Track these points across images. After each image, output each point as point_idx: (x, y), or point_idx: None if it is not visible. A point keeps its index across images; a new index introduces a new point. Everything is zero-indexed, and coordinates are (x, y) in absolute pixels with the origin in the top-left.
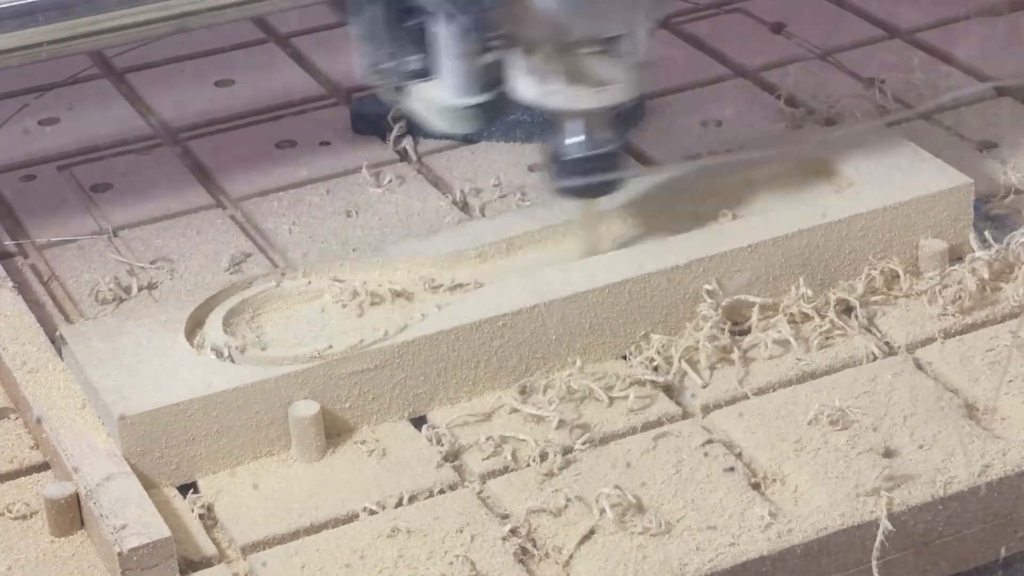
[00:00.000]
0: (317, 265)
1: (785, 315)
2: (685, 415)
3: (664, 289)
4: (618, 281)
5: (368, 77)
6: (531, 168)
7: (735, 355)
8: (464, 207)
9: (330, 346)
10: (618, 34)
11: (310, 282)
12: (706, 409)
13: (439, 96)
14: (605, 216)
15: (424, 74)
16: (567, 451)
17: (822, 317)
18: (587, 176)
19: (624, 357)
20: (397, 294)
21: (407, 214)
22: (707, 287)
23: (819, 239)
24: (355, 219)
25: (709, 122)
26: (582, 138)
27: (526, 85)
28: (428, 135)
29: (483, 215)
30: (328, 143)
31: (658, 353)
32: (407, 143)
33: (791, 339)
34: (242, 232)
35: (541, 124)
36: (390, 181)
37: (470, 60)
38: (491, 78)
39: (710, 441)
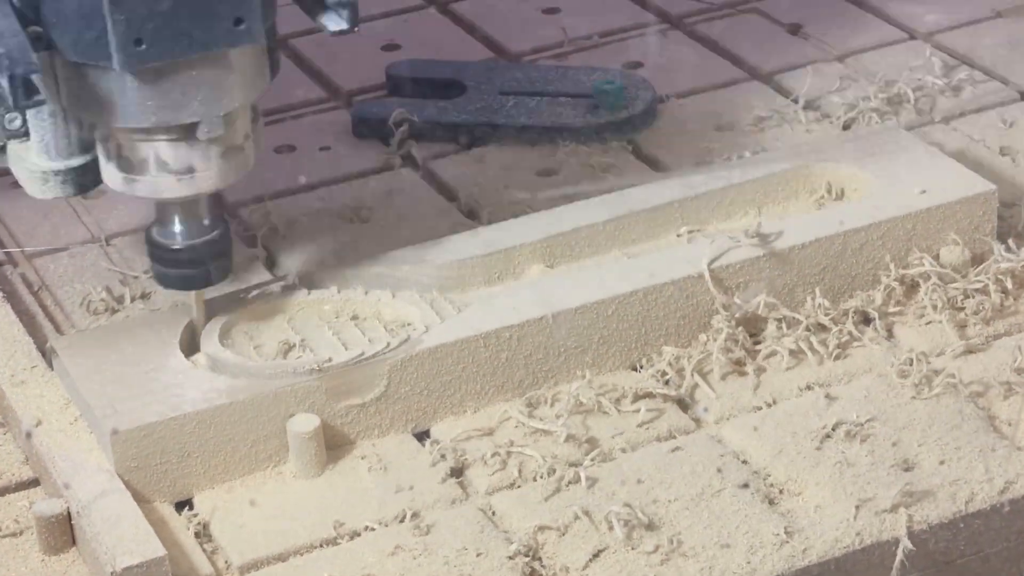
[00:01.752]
0: (317, 274)
1: (801, 326)
2: (698, 429)
3: (676, 300)
4: (629, 291)
5: None
6: (538, 174)
7: (749, 367)
8: (469, 214)
9: (330, 359)
10: (194, 120)
11: (309, 292)
12: (719, 423)
13: (31, 158)
14: (210, 303)
15: (24, 134)
16: (575, 466)
17: (839, 328)
18: (184, 267)
19: (635, 369)
20: (400, 305)
21: (410, 221)
22: (721, 299)
23: (837, 248)
24: (356, 226)
25: (723, 126)
26: (178, 228)
27: (108, 172)
28: (434, 138)
29: (489, 223)
30: (328, 148)
31: (670, 365)
32: (410, 147)
33: (807, 350)
34: (239, 240)
35: (549, 128)
36: (393, 188)
37: (58, 121)
38: (87, 139)
39: (723, 456)
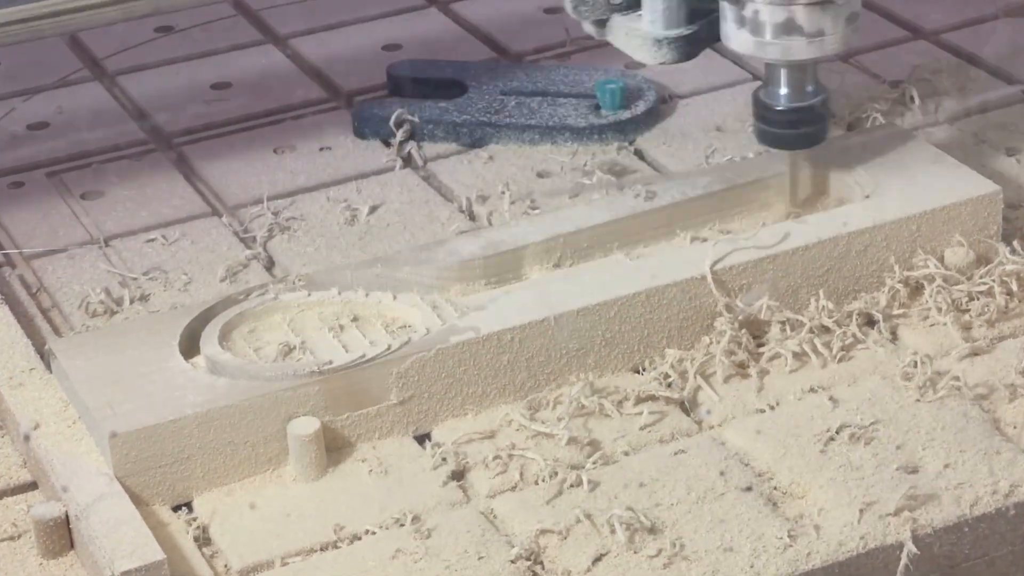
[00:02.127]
0: (317, 276)
1: (805, 328)
2: (700, 432)
3: (679, 302)
4: (631, 293)
5: (572, 7)
6: (540, 175)
7: (752, 369)
8: (471, 215)
9: (331, 361)
10: None
11: (309, 294)
12: (722, 425)
13: (643, 27)
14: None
15: (630, 5)
16: (577, 469)
17: (843, 330)
18: (794, 128)
19: (637, 371)
20: (401, 307)
21: (411, 222)
22: (724, 301)
23: (840, 249)
24: (357, 227)
25: (726, 127)
26: (789, 90)
27: (739, 36)
28: (435, 139)
29: (491, 224)
30: (329, 148)
31: (672, 368)
32: (411, 148)
33: (810, 353)
34: (239, 241)
35: (551, 129)
36: (394, 188)
37: None
38: (696, 9)
39: (726, 459)
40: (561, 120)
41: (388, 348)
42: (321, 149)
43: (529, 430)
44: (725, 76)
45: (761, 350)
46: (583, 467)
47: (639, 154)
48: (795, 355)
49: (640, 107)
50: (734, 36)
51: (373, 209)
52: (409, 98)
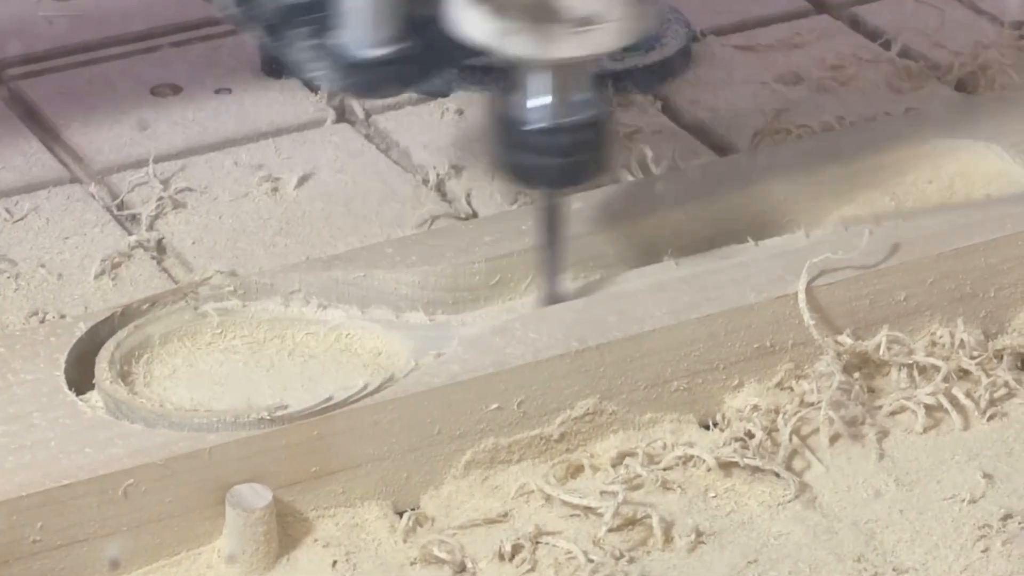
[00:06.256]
0: (252, 280)
1: (940, 372)
2: (803, 516)
3: (758, 331)
4: (694, 318)
5: (224, 7)
6: None
7: (868, 429)
8: (441, 192)
9: (285, 405)
10: None
11: (244, 304)
12: (832, 506)
13: (336, 44)
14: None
15: (315, 9)
16: (631, 562)
17: (992, 378)
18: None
19: (706, 426)
20: (374, 328)
21: (358, 201)
22: (837, 337)
23: (988, 260)
24: (280, 205)
25: (788, 76)
26: (549, 99)
27: (476, 21)
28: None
29: (471, 207)
30: (229, 90)
31: (754, 421)
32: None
33: (949, 406)
34: (113, 219)
35: None
36: (328, 151)
37: None
38: (413, 18)
39: (840, 559)
40: None
41: (363, 388)
42: (217, 91)
43: (559, 504)
44: (777, 3)
45: (878, 402)
46: (635, 559)
47: (669, 112)
48: (928, 409)
49: (667, 47)
50: (468, 20)
51: (302, 180)
52: None
